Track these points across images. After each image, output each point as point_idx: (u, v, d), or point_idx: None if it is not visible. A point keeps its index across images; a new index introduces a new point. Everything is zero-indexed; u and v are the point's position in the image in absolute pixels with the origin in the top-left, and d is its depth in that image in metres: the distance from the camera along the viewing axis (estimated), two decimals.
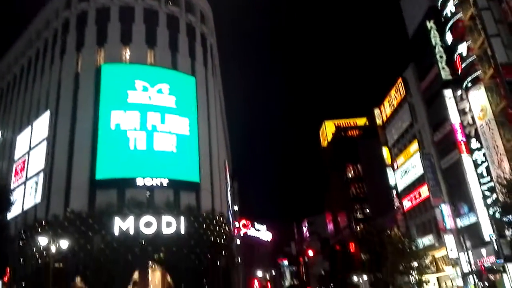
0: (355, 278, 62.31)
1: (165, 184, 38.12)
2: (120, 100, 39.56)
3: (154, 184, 37.68)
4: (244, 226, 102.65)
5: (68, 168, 37.40)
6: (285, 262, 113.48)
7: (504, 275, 34.48)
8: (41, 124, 41.85)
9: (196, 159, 41.19)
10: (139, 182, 37.16)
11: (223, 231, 41.03)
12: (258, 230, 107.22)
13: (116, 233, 34.28)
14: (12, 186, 40.69)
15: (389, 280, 43.96)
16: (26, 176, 41.62)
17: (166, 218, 36.03)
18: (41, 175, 39.17)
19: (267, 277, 65.83)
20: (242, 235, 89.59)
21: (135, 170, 37.52)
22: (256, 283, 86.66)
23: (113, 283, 32.72)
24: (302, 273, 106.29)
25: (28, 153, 42.77)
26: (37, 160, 40.63)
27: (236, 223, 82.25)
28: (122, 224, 34.62)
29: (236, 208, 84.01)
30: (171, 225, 35.99)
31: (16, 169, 44.06)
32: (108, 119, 38.57)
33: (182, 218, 36.66)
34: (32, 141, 42.60)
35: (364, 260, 53.39)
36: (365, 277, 57.51)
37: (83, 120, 38.84)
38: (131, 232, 34.51)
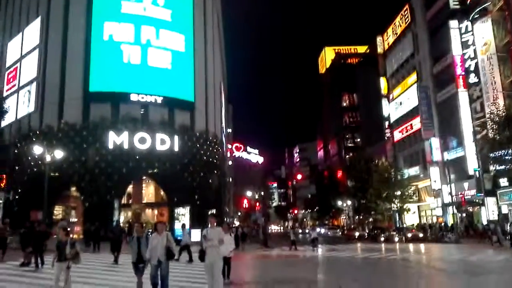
0: (339, 203, 65.30)
1: (159, 102, 38.06)
2: (113, 10, 38.01)
3: (149, 101, 37.62)
4: (237, 148, 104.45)
5: (61, 78, 36.84)
6: (274, 185, 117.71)
7: (482, 208, 36.30)
8: (33, 31, 40.35)
9: (191, 78, 40.70)
10: (133, 97, 36.98)
11: (215, 152, 41.89)
12: (250, 153, 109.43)
13: (111, 146, 34.84)
14: (4, 94, 40.25)
15: (372, 206, 46.07)
16: (19, 85, 41.02)
17: (160, 135, 36.48)
18: (34, 84, 38.63)
19: (256, 197, 68.83)
20: (235, 157, 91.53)
21: (129, 84, 37.18)
22: (245, 202, 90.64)
23: (108, 194, 33.95)
24: (289, 196, 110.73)
25: (20, 60, 41.73)
26: (30, 69, 39.80)
27: (229, 145, 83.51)
28: (116, 139, 35.07)
29: (230, 131, 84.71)
30: (165, 142, 36.57)
31: (8, 77, 43.29)
32: (101, 29, 37.35)
33: (176, 137, 37.15)
34: (24, 49, 41.37)
35: (350, 186, 55.49)
36: (349, 202, 60.23)
37: (75, 29, 37.52)
38: (126, 146, 35.08)
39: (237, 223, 69.46)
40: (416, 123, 45.93)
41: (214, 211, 36.49)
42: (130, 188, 38.94)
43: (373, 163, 47.38)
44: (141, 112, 37.56)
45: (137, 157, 35.12)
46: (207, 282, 8.67)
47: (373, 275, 14.64)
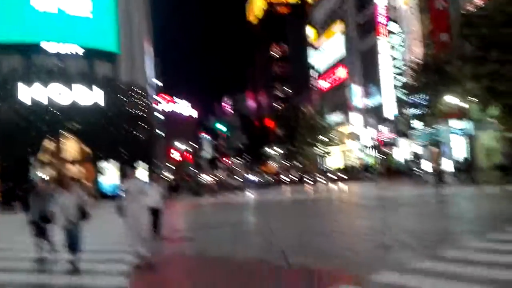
0: (270, 151, 67.34)
1: (80, 53, 35.51)
2: None
3: (67, 52, 34.91)
4: (166, 100, 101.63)
5: None
6: (206, 136, 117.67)
7: (396, 148, 39.71)
8: None
9: (114, 27, 38.12)
10: (47, 47, 34.00)
11: (143, 104, 40.50)
12: (181, 105, 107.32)
13: (28, 102, 32.22)
14: None
15: (300, 152, 48.25)
16: None
17: (79, 87, 34.25)
18: None
19: (188, 149, 68.63)
20: (164, 110, 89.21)
21: (42, 34, 33.98)
22: (177, 154, 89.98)
23: (24, 151, 31.78)
24: (221, 146, 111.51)
25: None
26: None
27: (158, 98, 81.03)
28: (28, 92, 32.36)
29: (159, 83, 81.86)
30: (86, 95, 34.49)
31: None
32: None
33: (98, 89, 35.18)
34: None
35: (280, 135, 57.29)
36: (279, 150, 62.33)
37: None
38: (45, 101, 32.64)
39: (170, 175, 69.21)
40: (341, 72, 47.70)
41: (141, 164, 35.78)
42: (51, 145, 36.68)
43: (300, 112, 49.00)
44: (58, 64, 34.82)
45: (58, 112, 32.91)
46: (131, 240, 7.62)
47: (300, 214, 15.62)
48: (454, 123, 30.02)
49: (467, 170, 26.53)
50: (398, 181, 30.47)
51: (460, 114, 27.69)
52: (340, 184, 33.48)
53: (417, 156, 35.97)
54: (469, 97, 24.58)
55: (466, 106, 26.38)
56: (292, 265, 6.80)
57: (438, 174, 25.81)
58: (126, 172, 8.43)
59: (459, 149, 31.62)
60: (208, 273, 6.78)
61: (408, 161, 35.96)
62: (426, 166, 30.85)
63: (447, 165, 26.08)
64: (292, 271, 6.46)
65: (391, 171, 38.73)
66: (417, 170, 30.74)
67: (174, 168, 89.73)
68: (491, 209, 12.42)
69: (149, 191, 10.04)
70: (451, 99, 26.21)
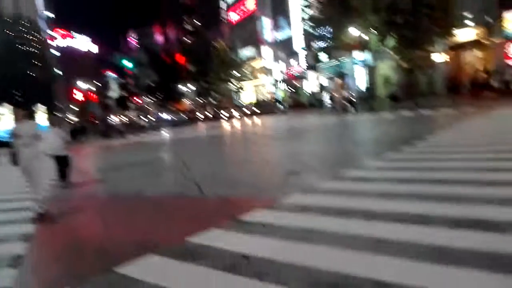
0: (183, 88, 65.63)
1: None
2: None
3: None
4: (63, 36, 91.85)
5: None
6: (111, 74, 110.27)
7: (305, 81, 41.16)
8: None
9: None
10: None
11: (35, 40, 36.20)
12: (80, 40, 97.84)
13: None
14: None
15: (213, 88, 47.75)
16: None
17: None
18: None
19: (92, 88, 63.94)
20: (62, 46, 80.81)
21: None
22: (80, 94, 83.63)
23: None
24: (130, 85, 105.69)
25: None
26: None
27: (54, 33, 72.68)
28: None
29: (52, 15, 72.88)
30: None
31: None
32: None
33: None
34: None
35: (192, 71, 55.73)
36: (192, 87, 60.96)
37: None
38: None
39: (75, 118, 64.61)
40: (249, 3, 46.70)
41: (40, 107, 32.83)
42: None
43: (212, 46, 47.77)
44: None
45: None
46: (31, 187, 7.05)
47: (214, 148, 15.78)
48: (356, 54, 31.65)
49: (367, 99, 28.61)
50: (306, 112, 31.92)
51: (362, 46, 29.18)
52: (254, 118, 34.15)
53: (323, 88, 37.75)
54: (370, 29, 25.85)
55: (367, 38, 27.80)
56: (207, 195, 6.92)
57: (342, 103, 27.46)
58: (17, 114, 7.34)
59: (361, 79, 33.72)
60: (122, 212, 6.64)
61: (315, 93, 37.61)
62: (332, 97, 32.61)
63: (351, 95, 27.78)
64: (207, 200, 6.58)
65: (300, 103, 40.35)
66: (324, 101, 32.42)
67: (78, 110, 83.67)
68: (388, 133, 13.66)
69: (47, 136, 9.22)
70: (353, 31, 27.34)
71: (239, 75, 45.81)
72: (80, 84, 70.53)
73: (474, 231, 3.87)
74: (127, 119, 53.31)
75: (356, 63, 32.76)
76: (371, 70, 32.24)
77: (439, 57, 28.41)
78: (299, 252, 3.85)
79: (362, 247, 3.78)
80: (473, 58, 27.69)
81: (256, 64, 48.82)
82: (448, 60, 28.73)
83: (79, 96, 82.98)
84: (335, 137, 14.50)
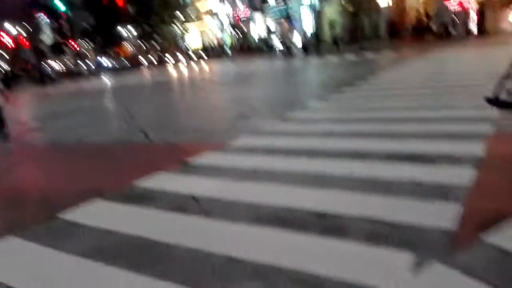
0: (124, 31, 61.89)
1: None
2: None
3: None
4: None
5: None
6: (43, 16, 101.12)
7: (252, 25, 40.28)
8: None
9: None
10: None
11: None
12: None
13: None
14: None
15: (156, 31, 45.51)
16: None
17: None
18: None
19: (22, 33, 58.62)
20: None
21: None
22: (8, 39, 76.34)
23: None
24: (64, 28, 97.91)
25: None
26: None
27: None
28: None
29: None
30: None
31: None
32: None
33: None
34: None
35: (132, 13, 52.44)
36: (133, 30, 57.66)
37: None
38: None
39: (5, 65, 59.58)
40: None
41: None
42: None
43: None
44: None
45: None
46: None
47: (159, 94, 15.35)
48: None
49: (313, 42, 28.69)
50: (254, 57, 31.56)
51: None
52: (201, 63, 33.31)
53: (271, 32, 37.22)
54: None
55: None
56: (153, 141, 6.83)
57: (289, 47, 27.35)
58: None
59: (308, 23, 33.53)
60: (64, 161, 6.41)
61: (263, 37, 37.06)
62: (278, 40, 32.34)
63: (297, 39, 27.70)
64: (154, 146, 6.51)
65: (248, 48, 39.71)
66: (271, 45, 32.12)
67: (9, 56, 76.86)
68: (332, 76, 13.95)
69: None
70: None
71: (183, 17, 43.81)
72: (8, 27, 64.17)
73: (406, 163, 4.18)
74: (64, 66, 49.98)
75: (303, 6, 32.40)
76: (318, 14, 32.07)
77: (383, 1, 28.73)
78: (246, 190, 3.97)
79: (304, 183, 3.97)
80: (415, 2, 28.29)
81: (201, 6, 46.80)
82: (392, 4, 29.18)
83: (7, 41, 75.76)
84: (282, 81, 14.59)
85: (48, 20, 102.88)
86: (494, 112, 5.93)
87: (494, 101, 2.98)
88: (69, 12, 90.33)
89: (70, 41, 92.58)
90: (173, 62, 37.42)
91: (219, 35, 45.10)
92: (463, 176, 3.66)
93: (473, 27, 25.13)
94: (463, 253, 2.45)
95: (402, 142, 4.92)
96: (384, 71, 12.73)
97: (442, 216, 2.96)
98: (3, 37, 74.95)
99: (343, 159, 4.56)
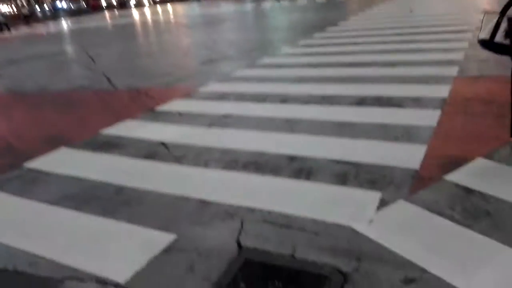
0: None
1: None
2: None
3: None
4: None
5: None
6: None
7: None
8: None
9: None
10: None
11: None
12: None
13: None
14: None
15: None
16: None
17: None
18: None
19: None
20: None
21: None
22: None
23: None
24: None
25: None
26: None
27: None
28: None
29: None
30: None
31: None
32: None
33: None
34: None
35: None
36: None
37: None
38: None
39: None
40: None
41: None
42: None
43: None
44: None
45: None
46: None
47: (122, 38, 14.65)
48: None
49: None
50: (222, 0, 30.33)
51: None
52: (166, 5, 31.73)
53: None
54: None
55: None
56: (118, 88, 6.60)
57: None
58: None
59: None
60: (26, 109, 6.13)
61: None
62: None
63: None
64: (119, 93, 6.30)
65: None
66: None
67: None
68: (302, 20, 13.65)
69: None
70: None
71: None
72: None
73: (374, 107, 4.25)
74: (16, 8, 46.40)
75: None
76: None
77: None
78: (217, 136, 3.96)
79: (276, 128, 3.98)
80: None
81: None
82: None
83: None
84: (252, 25, 14.19)
85: None
86: (459, 55, 6.04)
87: (489, 44, 2.94)
88: None
89: None
90: (136, 4, 35.46)
91: None
92: (428, 118, 3.77)
93: None
94: (427, 191, 2.58)
95: (371, 86, 4.97)
96: (355, 15, 12.57)
97: (407, 156, 3.07)
98: None
99: (313, 104, 4.57)
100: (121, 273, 2.09)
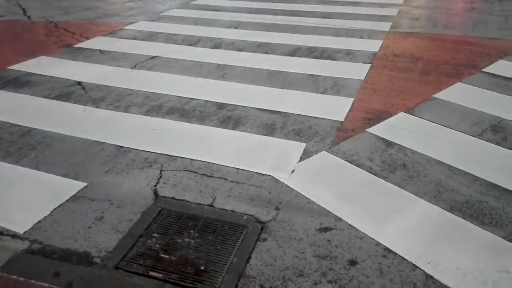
0: None
1: None
2: None
3: None
4: None
5: None
6: None
7: None
8: None
9: None
10: None
11: None
12: None
13: None
14: None
15: None
16: None
17: None
18: None
19: None
20: None
21: None
22: None
23: None
24: None
25: None
26: None
27: None
28: None
29: None
30: None
31: None
32: None
33: None
34: None
35: None
36: None
37: None
38: None
39: None
40: None
41: None
42: None
43: None
44: None
45: None
46: None
47: None
48: None
49: None
50: None
51: None
52: None
53: None
54: None
55: None
56: (33, 20, 5.89)
57: None
58: None
59: None
60: None
61: None
62: None
63: None
64: (35, 25, 5.62)
65: None
66: None
67: None
68: None
69: None
70: None
71: None
72: None
73: (307, 58, 4.18)
74: None
75: None
76: None
77: None
78: (141, 78, 3.68)
79: (206, 73, 3.79)
80: None
81: None
82: None
83: None
84: None
85: None
86: (393, 10, 6.10)
87: None
88: None
89: None
90: None
91: None
92: (357, 72, 3.79)
93: None
94: (349, 143, 2.60)
95: (306, 37, 4.88)
96: None
97: (334, 109, 3.07)
98: None
99: (247, 52, 4.41)
100: (20, 223, 1.89)
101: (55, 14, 6.17)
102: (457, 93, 3.33)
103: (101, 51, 4.38)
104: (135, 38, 4.87)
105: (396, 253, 1.72)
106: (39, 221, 1.91)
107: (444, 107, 3.09)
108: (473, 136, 2.69)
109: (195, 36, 4.93)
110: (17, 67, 3.95)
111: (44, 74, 3.76)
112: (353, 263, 1.68)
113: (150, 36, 4.93)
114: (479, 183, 2.21)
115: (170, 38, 4.84)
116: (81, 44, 4.62)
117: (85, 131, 2.74)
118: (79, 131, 2.74)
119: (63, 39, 4.83)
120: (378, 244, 1.77)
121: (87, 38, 4.80)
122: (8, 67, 3.93)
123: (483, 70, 3.84)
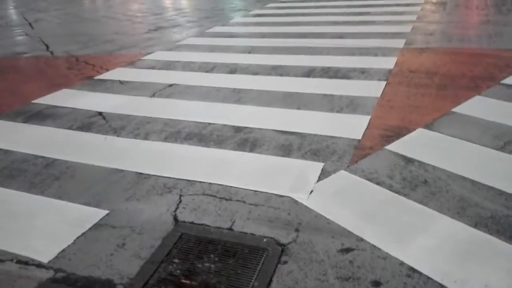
0: None
1: None
2: None
3: None
4: None
5: None
6: None
7: None
8: None
9: None
10: None
11: None
12: None
13: None
14: None
15: None
16: None
17: None
18: None
19: None
20: None
21: None
22: None
23: None
24: None
25: None
26: None
27: None
28: None
29: None
30: None
31: None
32: None
33: None
34: None
35: None
36: None
37: None
38: None
39: None
40: None
41: None
42: None
43: None
44: None
45: None
46: None
47: (63, 3, 13.67)
48: None
49: None
50: None
51: None
52: None
53: None
54: None
55: None
56: (55, 55, 6.13)
57: None
58: None
59: None
60: None
61: None
62: None
63: None
64: (57, 60, 5.85)
65: None
66: None
67: None
68: None
69: None
70: None
71: None
72: None
73: (321, 78, 4.21)
74: None
75: None
76: None
77: None
78: (160, 106, 3.77)
79: (222, 98, 3.85)
80: None
81: None
82: None
83: None
84: None
85: None
86: (407, 27, 6.12)
87: None
88: None
89: None
90: None
91: None
92: (373, 89, 3.78)
93: None
94: (367, 161, 2.58)
95: (320, 58, 4.92)
96: None
97: (351, 127, 3.06)
98: None
99: (262, 75, 4.47)
100: (45, 252, 1.93)
101: (76, 48, 6.41)
102: (476, 106, 3.28)
103: (120, 82, 4.51)
104: (153, 68, 5.01)
105: (421, 273, 1.68)
106: (63, 250, 1.94)
107: (463, 121, 3.05)
108: (495, 149, 2.64)
109: (211, 62, 5.04)
110: (40, 100, 4.10)
111: (66, 106, 3.89)
112: (377, 284, 1.64)
113: (168, 65, 5.06)
114: (504, 197, 2.14)
115: (187, 66, 4.96)
116: (102, 75, 4.78)
117: (106, 160, 2.80)
118: (101, 160, 2.80)
119: (84, 71, 5.00)
120: (402, 263, 1.73)
121: (107, 70, 4.96)
122: (32, 101, 4.09)
123: (501, 82, 3.78)
